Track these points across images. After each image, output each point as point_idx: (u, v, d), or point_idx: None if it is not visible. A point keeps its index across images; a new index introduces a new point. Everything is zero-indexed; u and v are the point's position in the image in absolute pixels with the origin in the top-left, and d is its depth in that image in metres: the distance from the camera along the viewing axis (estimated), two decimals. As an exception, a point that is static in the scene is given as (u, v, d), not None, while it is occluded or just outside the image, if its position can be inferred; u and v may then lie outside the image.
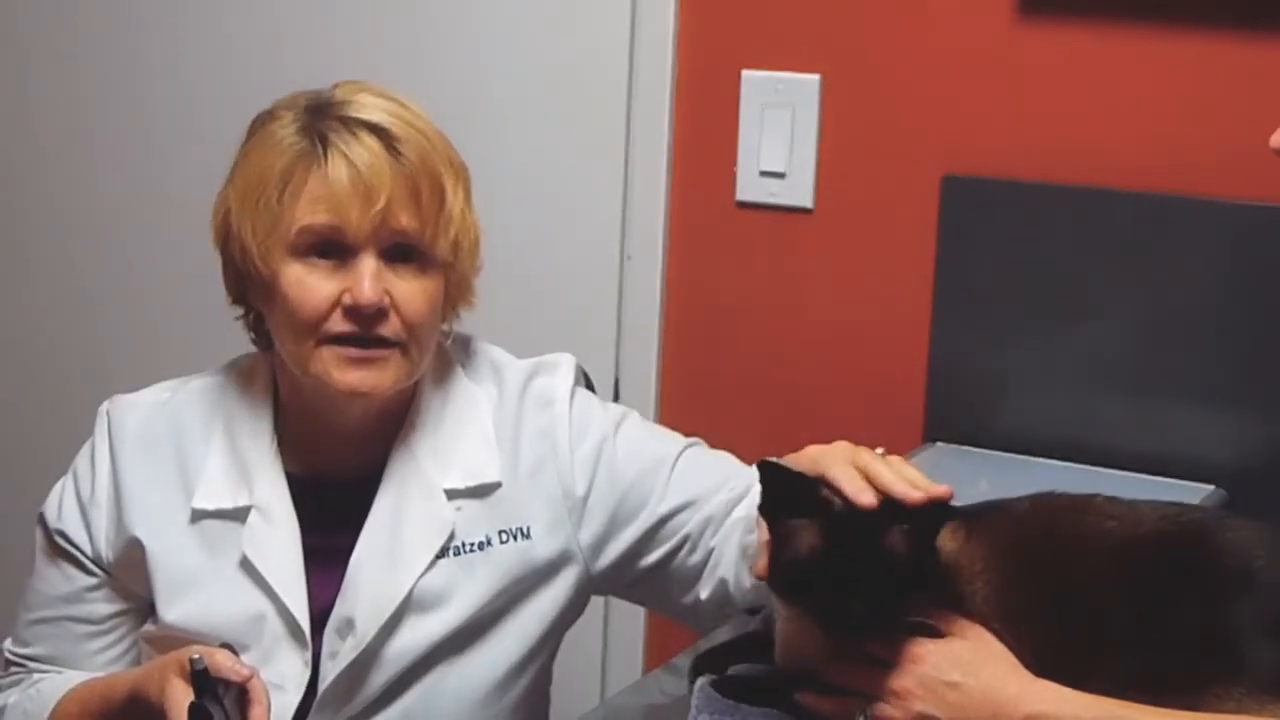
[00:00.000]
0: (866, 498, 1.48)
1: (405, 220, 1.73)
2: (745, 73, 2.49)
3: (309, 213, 1.72)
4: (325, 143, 1.72)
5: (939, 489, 1.49)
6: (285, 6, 2.80)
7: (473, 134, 2.59)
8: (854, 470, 1.51)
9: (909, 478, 1.50)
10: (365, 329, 1.73)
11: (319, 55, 2.73)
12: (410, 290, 1.74)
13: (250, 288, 1.79)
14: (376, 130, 1.73)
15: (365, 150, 1.72)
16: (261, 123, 1.78)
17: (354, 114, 1.74)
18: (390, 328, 1.73)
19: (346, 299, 1.72)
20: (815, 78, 2.45)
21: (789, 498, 1.52)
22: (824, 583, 1.49)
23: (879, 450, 1.56)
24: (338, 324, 1.73)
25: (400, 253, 1.74)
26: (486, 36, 2.67)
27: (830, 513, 1.50)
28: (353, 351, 1.73)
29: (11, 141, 3.07)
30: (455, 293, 1.82)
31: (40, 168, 3.06)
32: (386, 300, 1.72)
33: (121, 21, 2.93)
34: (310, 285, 1.72)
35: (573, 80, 2.61)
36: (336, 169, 1.71)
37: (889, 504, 1.49)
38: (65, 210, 3.05)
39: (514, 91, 2.65)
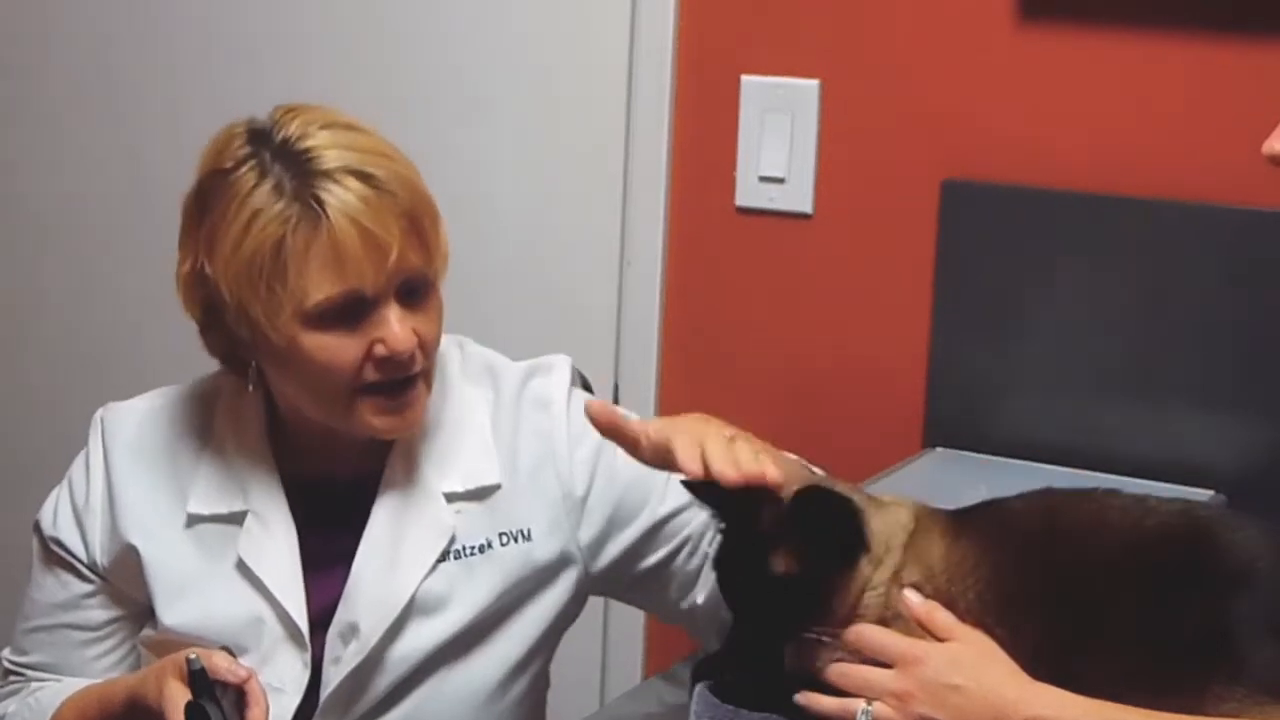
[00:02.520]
0: (694, 467, 1.54)
1: (414, 259, 1.71)
2: (745, 78, 2.48)
3: (322, 284, 1.67)
4: (321, 205, 1.66)
5: (755, 470, 1.52)
6: (287, 9, 2.80)
7: (473, 140, 2.61)
8: (693, 441, 1.56)
9: (738, 459, 1.53)
10: (399, 374, 1.72)
11: (319, 57, 2.73)
12: (426, 321, 1.73)
13: (253, 352, 1.75)
14: (360, 176, 1.68)
15: (360, 202, 1.67)
16: (223, 183, 1.70)
17: (326, 165, 1.67)
18: (418, 364, 1.73)
19: (379, 350, 1.70)
20: (815, 83, 2.44)
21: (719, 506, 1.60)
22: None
23: (728, 433, 1.59)
24: (371, 374, 1.71)
25: (409, 288, 1.72)
26: (486, 43, 2.66)
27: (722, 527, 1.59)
28: (387, 401, 1.73)
29: (7, 145, 3.07)
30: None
31: (37, 173, 3.06)
32: (415, 340, 1.72)
33: (122, 21, 2.94)
34: (335, 349, 1.69)
35: (572, 86, 2.61)
36: (344, 233, 1.66)
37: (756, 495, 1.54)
38: (63, 216, 3.05)
39: (514, 97, 2.65)
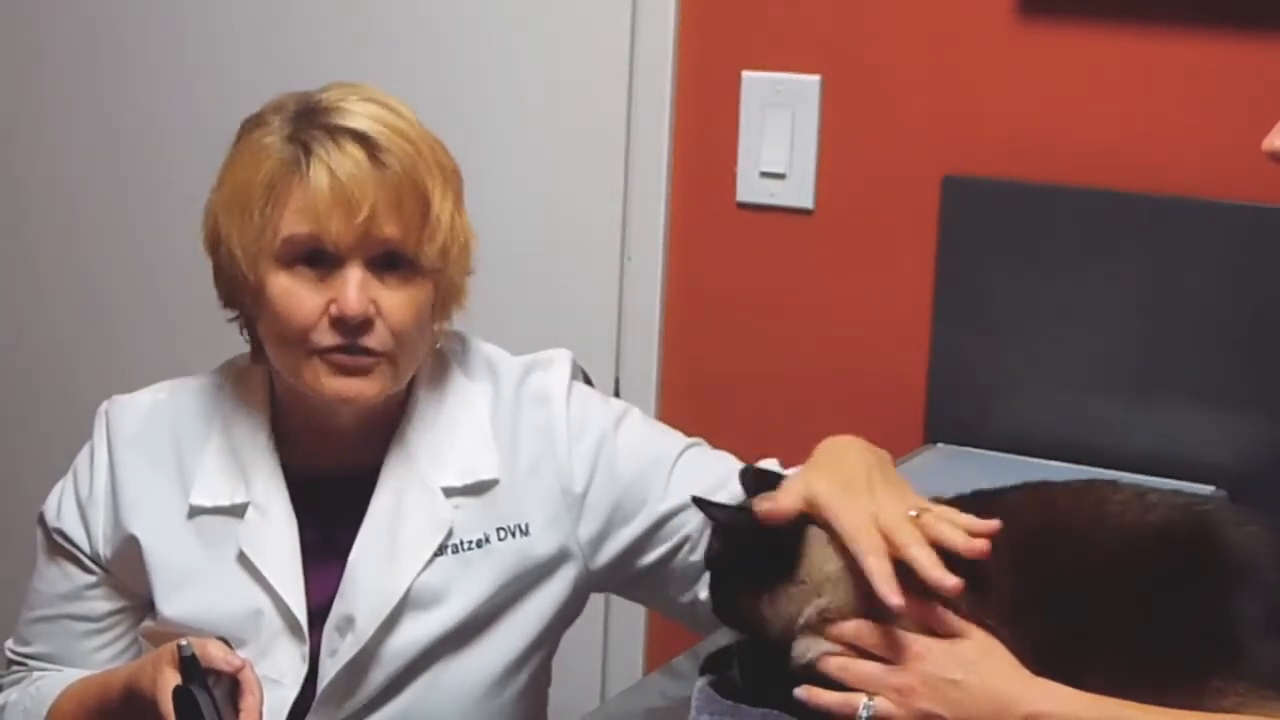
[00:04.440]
0: (894, 599, 1.47)
1: (390, 230, 1.71)
2: (746, 74, 2.49)
3: (293, 223, 1.71)
4: (308, 152, 1.70)
5: (973, 544, 1.49)
6: (287, 9, 2.80)
7: (473, 135, 2.61)
8: (876, 533, 1.51)
9: (944, 536, 1.49)
10: (351, 339, 1.72)
11: (319, 55, 2.73)
12: (397, 300, 1.73)
13: (240, 293, 1.78)
14: (361, 138, 1.71)
15: (348, 159, 1.70)
16: (249, 128, 1.77)
17: (339, 121, 1.72)
18: (376, 338, 1.72)
19: (333, 310, 1.71)
20: (815, 79, 2.45)
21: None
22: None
23: (912, 510, 1.52)
24: (325, 336, 1.72)
25: (387, 262, 1.73)
26: (487, 38, 2.67)
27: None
28: (340, 359, 1.72)
29: (11, 141, 3.07)
30: (445, 296, 1.81)
31: (40, 169, 3.06)
32: (373, 310, 1.71)
33: (124, 18, 2.94)
34: (297, 296, 1.72)
35: (573, 81, 2.61)
36: (318, 179, 1.69)
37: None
38: (65, 211, 3.05)
39: (515, 93, 2.65)
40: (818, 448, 1.63)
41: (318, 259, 1.72)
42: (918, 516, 1.52)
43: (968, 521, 1.51)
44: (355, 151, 1.70)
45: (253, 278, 1.73)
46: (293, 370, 1.75)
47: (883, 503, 1.54)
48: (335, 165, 1.70)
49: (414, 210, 1.72)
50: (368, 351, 1.72)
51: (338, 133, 1.71)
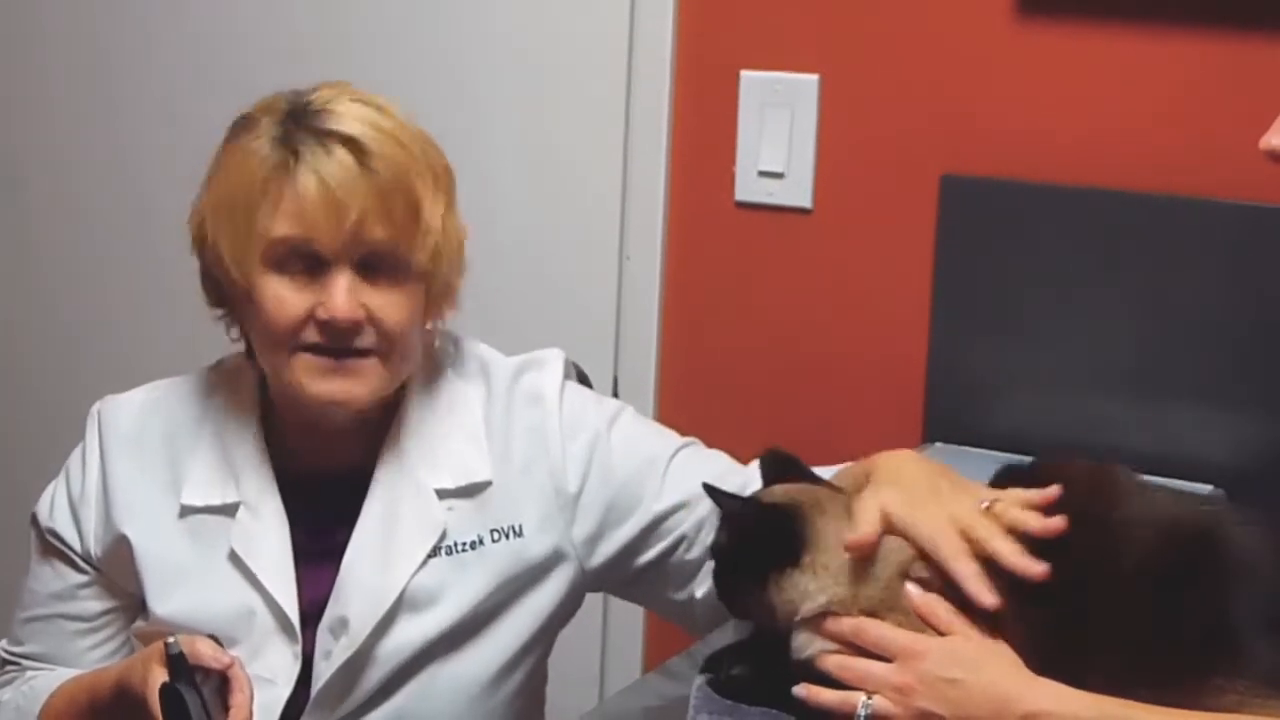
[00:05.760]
0: (987, 599, 1.49)
1: (379, 233, 1.71)
2: (744, 73, 2.49)
3: (281, 227, 1.70)
4: (297, 156, 1.70)
5: (1048, 524, 1.50)
6: (287, 9, 2.80)
7: (472, 135, 2.61)
8: (956, 536, 1.51)
9: (1019, 521, 1.50)
10: (339, 343, 1.72)
11: (317, 55, 2.73)
12: (388, 302, 1.72)
13: (228, 293, 1.78)
14: (349, 142, 1.70)
15: (336, 164, 1.69)
16: (238, 130, 1.76)
17: (329, 125, 1.71)
18: (367, 340, 1.72)
19: (320, 313, 1.71)
20: (814, 78, 2.45)
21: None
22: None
23: (983, 502, 1.54)
24: (311, 335, 1.72)
25: (376, 264, 1.72)
26: (486, 38, 2.66)
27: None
28: (327, 362, 1.72)
29: (11, 141, 3.07)
30: (439, 296, 1.80)
31: (37, 169, 3.06)
32: (362, 314, 1.71)
33: (125, 17, 2.94)
34: (284, 298, 1.71)
35: (572, 80, 2.61)
36: (306, 183, 1.69)
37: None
38: (62, 212, 3.05)
39: (513, 92, 2.65)
40: (875, 467, 1.62)
41: (306, 261, 1.71)
42: (989, 507, 1.53)
43: (1031, 497, 1.52)
44: (344, 156, 1.70)
45: (240, 279, 1.72)
46: (278, 372, 1.75)
47: (954, 504, 1.54)
48: (323, 170, 1.69)
49: (404, 214, 1.72)
50: (357, 351, 1.72)
51: (327, 136, 1.71)
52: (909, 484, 1.57)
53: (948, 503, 1.55)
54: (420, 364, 1.82)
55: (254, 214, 1.71)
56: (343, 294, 1.70)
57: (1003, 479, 1.59)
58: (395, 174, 1.71)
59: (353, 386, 1.73)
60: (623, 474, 1.84)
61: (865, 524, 1.53)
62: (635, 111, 2.56)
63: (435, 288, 1.78)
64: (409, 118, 1.77)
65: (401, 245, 1.72)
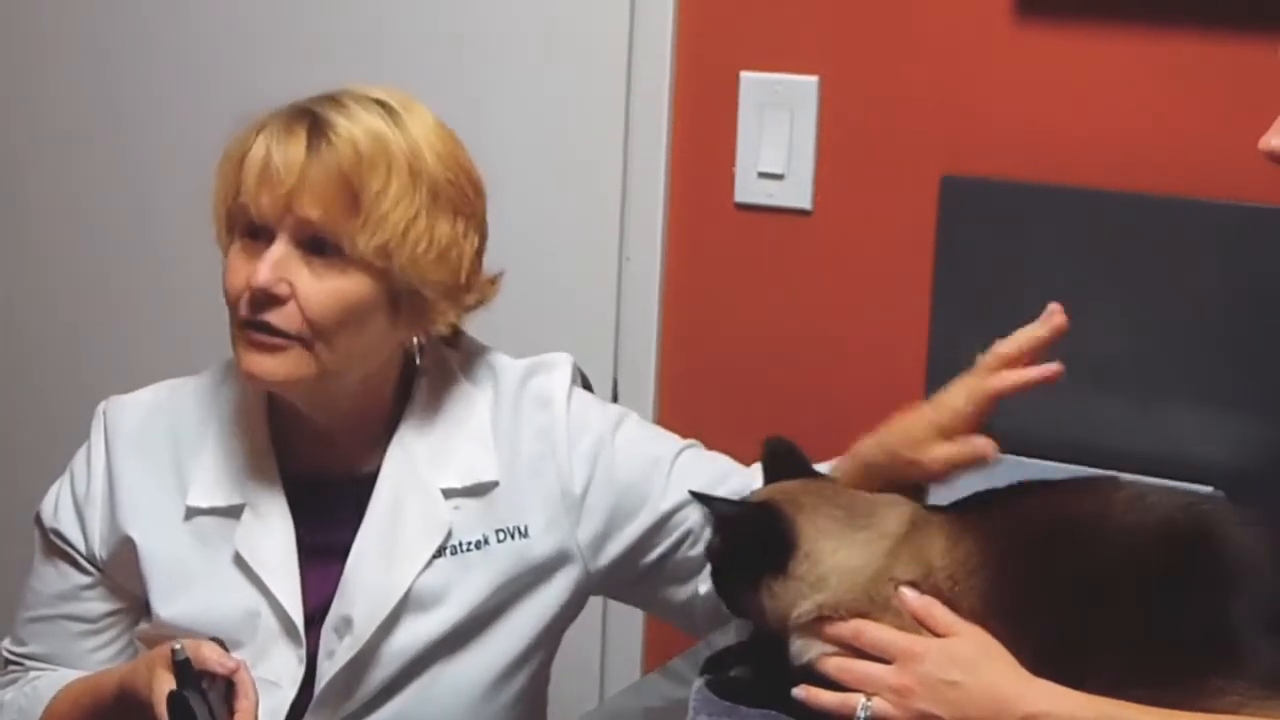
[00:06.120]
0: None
1: (311, 210, 1.70)
2: (744, 74, 2.48)
3: (229, 190, 1.74)
4: (261, 127, 1.73)
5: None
6: (286, 8, 2.80)
7: (471, 135, 2.59)
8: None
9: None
10: (253, 313, 1.71)
11: (317, 55, 2.73)
12: (317, 284, 1.71)
13: None
14: (315, 126, 1.71)
15: (289, 140, 1.71)
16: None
17: (315, 111, 1.73)
18: (283, 317, 1.70)
19: (251, 281, 1.71)
20: (814, 79, 2.45)
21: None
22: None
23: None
24: (244, 308, 1.72)
25: (316, 245, 1.71)
26: (485, 39, 2.66)
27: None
28: (251, 334, 1.72)
29: (12, 139, 3.07)
30: (409, 307, 1.76)
31: (41, 169, 3.06)
32: (285, 289, 1.70)
33: (127, 17, 2.94)
34: (233, 266, 1.74)
35: (571, 82, 2.61)
36: (256, 152, 1.71)
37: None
38: (66, 212, 3.05)
39: (513, 93, 2.65)
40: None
41: (254, 233, 1.73)
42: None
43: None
44: (300, 135, 1.71)
45: (222, 248, 1.76)
46: (234, 350, 1.75)
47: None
48: (273, 142, 1.71)
49: (340, 198, 1.70)
50: (272, 330, 1.71)
51: (298, 119, 1.72)
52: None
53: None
54: (428, 365, 1.83)
55: (226, 182, 1.75)
56: (266, 262, 1.70)
57: (981, 503, 1.59)
58: (342, 160, 1.70)
59: (271, 365, 1.72)
60: (627, 476, 1.84)
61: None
62: (635, 112, 2.56)
63: (401, 291, 1.74)
64: (432, 133, 1.77)
65: (339, 228, 1.70)
